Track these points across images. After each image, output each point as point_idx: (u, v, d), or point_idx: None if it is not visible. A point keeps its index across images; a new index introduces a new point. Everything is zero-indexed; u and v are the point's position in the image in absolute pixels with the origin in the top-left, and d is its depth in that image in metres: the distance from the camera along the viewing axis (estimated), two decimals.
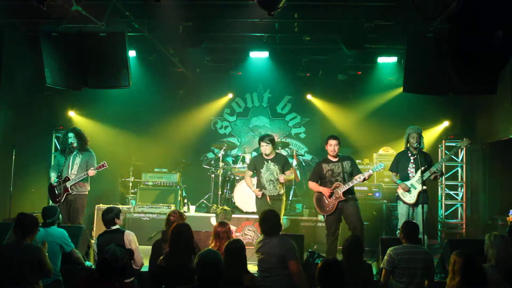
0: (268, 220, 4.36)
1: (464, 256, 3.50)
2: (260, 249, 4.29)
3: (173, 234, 4.09)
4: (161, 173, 8.56)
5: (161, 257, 4.06)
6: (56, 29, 6.11)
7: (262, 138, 6.32)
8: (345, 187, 5.86)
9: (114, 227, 4.86)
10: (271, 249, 4.21)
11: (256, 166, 6.38)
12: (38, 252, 4.15)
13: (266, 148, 6.24)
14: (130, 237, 4.76)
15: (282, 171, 6.27)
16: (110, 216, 4.86)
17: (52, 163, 6.89)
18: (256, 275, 4.77)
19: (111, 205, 5.62)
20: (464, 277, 3.41)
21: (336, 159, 6.06)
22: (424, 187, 6.06)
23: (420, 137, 6.28)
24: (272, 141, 6.29)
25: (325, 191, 5.93)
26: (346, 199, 5.88)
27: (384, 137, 9.10)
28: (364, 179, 5.93)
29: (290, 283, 4.18)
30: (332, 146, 6.00)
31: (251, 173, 6.52)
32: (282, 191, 6.31)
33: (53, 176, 6.50)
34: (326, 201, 5.96)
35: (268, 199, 6.23)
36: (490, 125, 7.69)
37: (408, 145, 6.38)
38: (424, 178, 6.03)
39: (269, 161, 6.28)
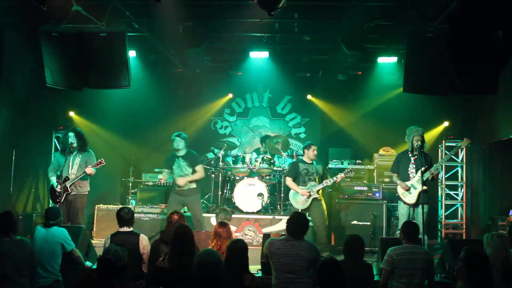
0: (300, 223, 4.27)
1: (468, 251, 3.51)
2: (283, 251, 4.14)
3: (177, 235, 4.06)
4: (161, 173, 8.54)
5: (161, 258, 4.05)
6: (56, 29, 6.10)
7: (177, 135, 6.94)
8: (319, 186, 6.64)
9: (129, 229, 4.87)
10: (301, 251, 4.10)
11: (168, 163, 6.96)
12: (27, 247, 4.27)
13: (178, 144, 6.89)
14: (145, 242, 4.76)
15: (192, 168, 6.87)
16: (130, 216, 4.87)
17: (51, 163, 6.87)
18: (257, 275, 4.79)
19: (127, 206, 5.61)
20: (469, 270, 3.41)
21: (310, 161, 6.82)
22: (425, 188, 6.08)
23: (423, 139, 6.31)
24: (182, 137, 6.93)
25: (304, 193, 6.62)
26: (317, 197, 6.66)
27: (384, 137, 9.08)
28: (335, 182, 6.74)
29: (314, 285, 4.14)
30: (314, 151, 6.79)
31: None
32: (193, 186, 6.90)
33: (53, 180, 6.49)
34: (302, 198, 6.66)
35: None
36: (490, 125, 7.68)
37: (411, 146, 6.36)
38: (424, 178, 6.04)
39: (180, 158, 6.89)
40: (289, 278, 4.07)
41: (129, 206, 5.40)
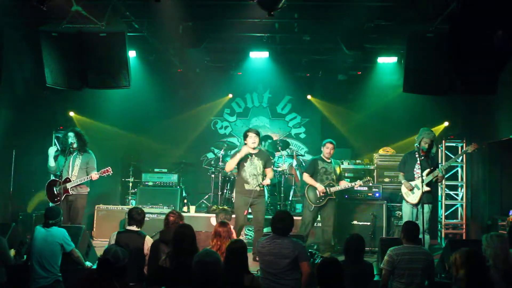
0: (283, 219, 4.28)
1: (463, 251, 3.50)
2: (267, 249, 4.16)
3: (177, 235, 4.05)
4: (161, 173, 8.56)
5: (163, 258, 4.05)
6: (56, 29, 6.10)
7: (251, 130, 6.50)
8: (338, 188, 6.64)
9: (137, 229, 4.89)
10: (283, 250, 4.10)
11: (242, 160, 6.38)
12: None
13: (255, 140, 6.35)
14: (149, 244, 4.77)
15: (264, 167, 6.38)
16: (142, 217, 4.91)
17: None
18: (257, 275, 4.78)
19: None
20: (467, 270, 3.40)
21: (329, 161, 6.80)
22: (428, 189, 6.15)
23: (432, 143, 6.34)
24: (259, 134, 6.51)
25: (322, 189, 6.55)
26: (333, 197, 6.65)
27: (384, 138, 9.09)
28: (352, 187, 6.77)
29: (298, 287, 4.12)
30: (329, 149, 6.75)
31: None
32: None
33: (51, 159, 6.50)
34: (319, 195, 6.59)
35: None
36: (490, 125, 7.68)
37: (418, 146, 6.36)
38: (428, 180, 6.12)
39: (253, 156, 6.40)
40: (272, 277, 4.08)
41: (140, 207, 5.41)
